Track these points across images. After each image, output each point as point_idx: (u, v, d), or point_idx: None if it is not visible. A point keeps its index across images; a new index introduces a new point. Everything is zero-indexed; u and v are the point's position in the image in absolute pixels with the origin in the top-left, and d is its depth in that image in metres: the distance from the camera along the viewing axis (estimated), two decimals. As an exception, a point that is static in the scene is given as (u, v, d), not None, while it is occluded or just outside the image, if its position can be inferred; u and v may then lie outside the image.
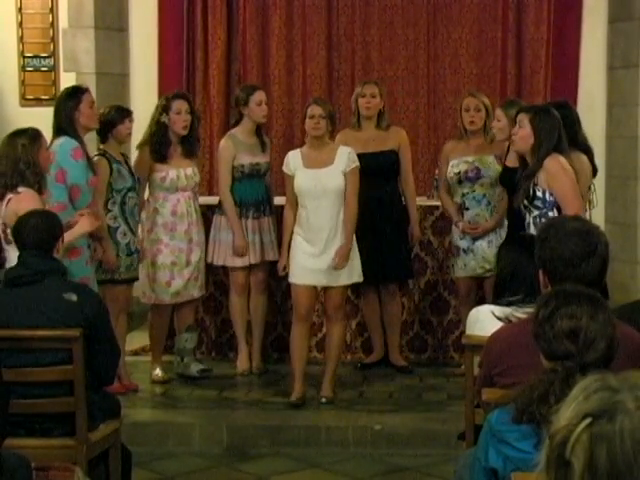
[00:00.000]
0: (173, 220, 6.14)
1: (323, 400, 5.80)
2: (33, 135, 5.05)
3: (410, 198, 6.41)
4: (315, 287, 5.85)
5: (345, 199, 5.73)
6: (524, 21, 8.06)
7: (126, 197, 5.94)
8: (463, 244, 6.28)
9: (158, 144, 6.10)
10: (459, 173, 6.25)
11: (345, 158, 5.73)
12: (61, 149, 5.54)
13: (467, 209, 6.28)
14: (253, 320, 6.49)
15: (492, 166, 6.18)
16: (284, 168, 5.86)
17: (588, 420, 1.37)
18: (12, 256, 4.83)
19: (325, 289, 5.90)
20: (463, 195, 6.29)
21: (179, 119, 6.09)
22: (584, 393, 1.41)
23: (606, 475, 1.33)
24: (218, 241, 6.34)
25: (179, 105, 6.12)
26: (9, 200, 4.92)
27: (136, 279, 6.11)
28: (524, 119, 5.02)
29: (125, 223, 5.91)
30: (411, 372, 6.47)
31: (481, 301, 6.03)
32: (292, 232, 5.80)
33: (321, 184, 5.68)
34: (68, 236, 5.01)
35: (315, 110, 5.74)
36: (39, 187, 5.00)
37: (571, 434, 1.37)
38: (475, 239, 6.24)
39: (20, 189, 4.93)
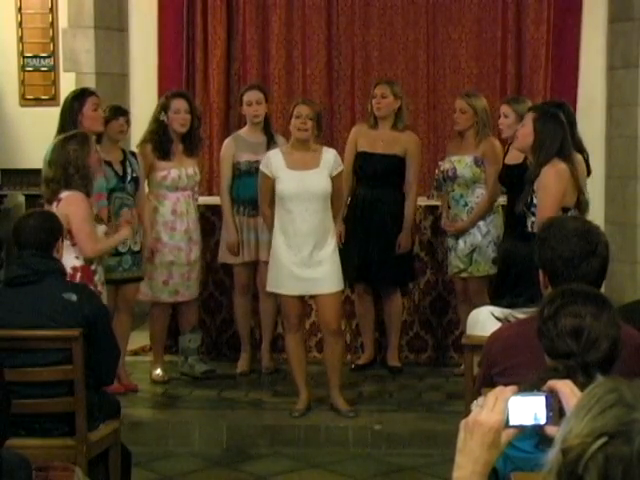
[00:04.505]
0: (173, 219, 6.14)
1: (351, 415, 5.59)
2: (82, 139, 5.14)
3: (407, 205, 6.31)
4: (303, 296, 5.66)
5: (332, 202, 5.56)
6: (524, 21, 8.07)
7: (110, 198, 5.87)
8: (448, 242, 6.33)
9: (159, 142, 6.11)
10: (443, 171, 6.31)
11: (331, 161, 5.57)
12: None
13: (449, 207, 6.32)
14: (262, 321, 6.48)
15: (468, 167, 6.20)
16: (262, 168, 5.60)
17: (603, 439, 1.35)
18: (65, 257, 4.65)
19: (315, 299, 5.73)
20: (448, 193, 6.34)
21: (178, 118, 6.10)
22: (598, 406, 1.39)
23: None
24: (221, 239, 6.40)
25: (178, 104, 6.12)
26: (58, 202, 5.02)
27: (124, 281, 5.95)
28: (529, 118, 5.02)
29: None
30: (401, 371, 6.45)
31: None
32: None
33: (308, 187, 5.47)
34: (111, 242, 5.40)
35: (302, 110, 5.53)
36: (87, 191, 5.10)
37: (585, 452, 1.35)
38: (457, 238, 6.26)
39: (66, 192, 5.02)
